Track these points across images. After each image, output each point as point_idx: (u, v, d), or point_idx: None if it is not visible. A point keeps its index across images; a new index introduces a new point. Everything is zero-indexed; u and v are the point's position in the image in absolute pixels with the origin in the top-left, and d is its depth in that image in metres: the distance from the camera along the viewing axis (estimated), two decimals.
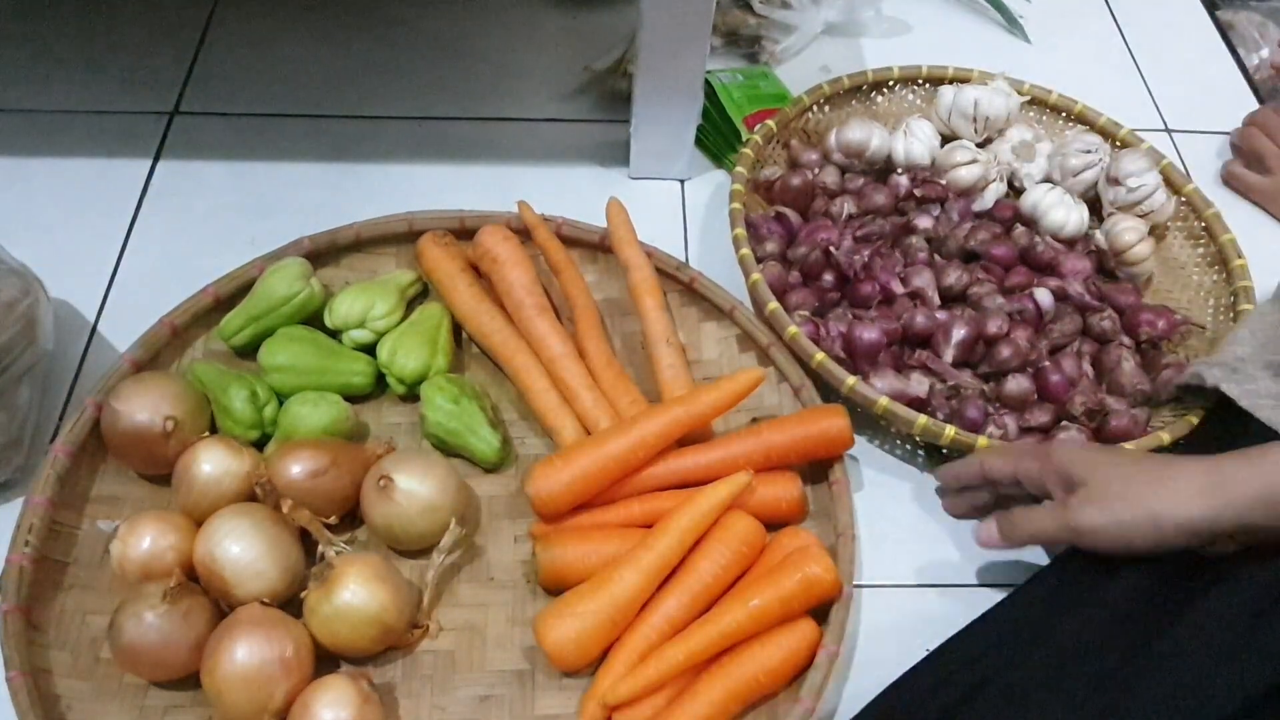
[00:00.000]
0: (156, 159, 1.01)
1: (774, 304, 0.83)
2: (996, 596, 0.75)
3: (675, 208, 1.01)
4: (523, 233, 0.89)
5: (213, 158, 1.01)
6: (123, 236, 0.95)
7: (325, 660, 0.70)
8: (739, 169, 0.93)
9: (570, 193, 0.99)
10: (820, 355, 0.81)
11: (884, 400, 0.79)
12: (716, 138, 1.03)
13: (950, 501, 0.80)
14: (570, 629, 0.70)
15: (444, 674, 0.72)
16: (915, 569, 0.80)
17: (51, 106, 1.04)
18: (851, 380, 0.80)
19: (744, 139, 0.98)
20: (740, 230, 0.88)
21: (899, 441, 0.86)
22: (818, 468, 0.80)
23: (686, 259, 0.95)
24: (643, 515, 0.76)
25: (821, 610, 0.72)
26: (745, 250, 0.87)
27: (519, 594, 0.76)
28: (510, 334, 0.84)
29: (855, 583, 0.77)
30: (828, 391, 0.82)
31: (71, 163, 1.00)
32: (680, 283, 0.89)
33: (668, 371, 0.83)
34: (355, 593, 0.68)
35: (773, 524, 0.77)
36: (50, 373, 0.83)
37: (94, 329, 0.88)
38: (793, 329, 0.82)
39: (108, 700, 0.69)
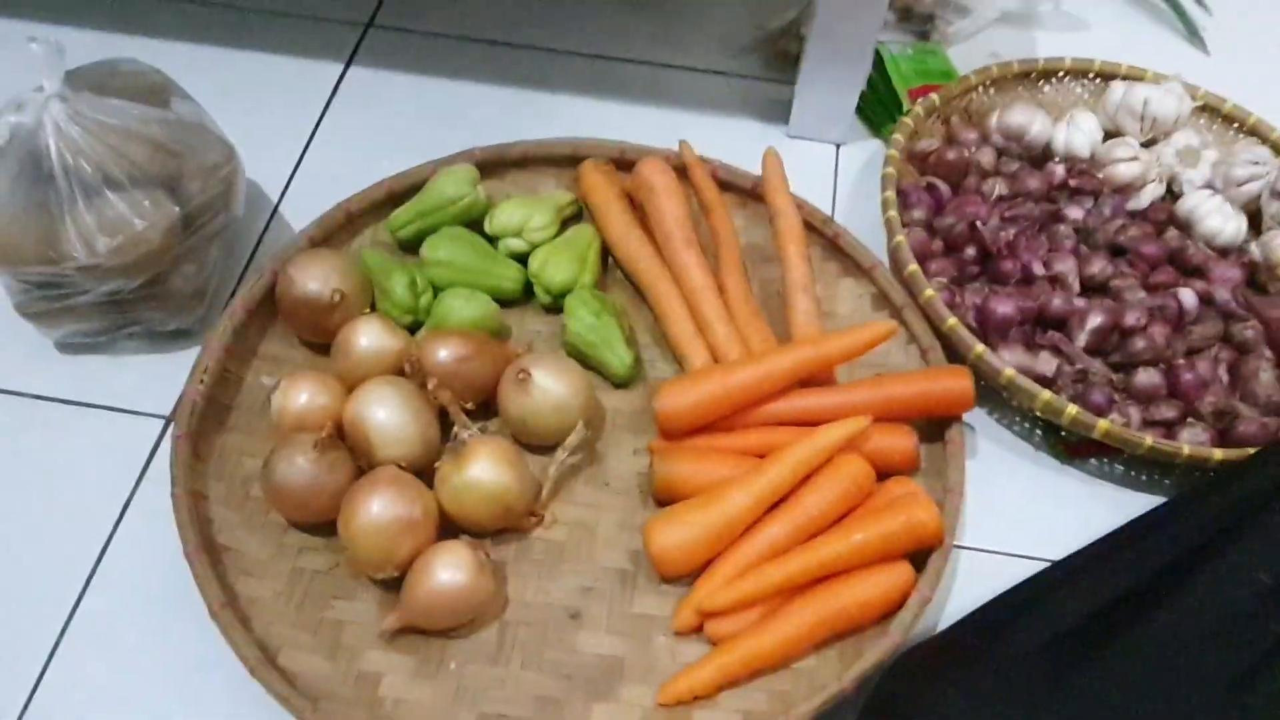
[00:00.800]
0: (348, 65, 1.09)
1: (914, 266, 0.85)
2: None
3: (828, 171, 1.04)
4: (680, 171, 0.93)
5: (400, 70, 1.08)
6: (310, 130, 1.02)
7: (448, 533, 0.75)
8: (897, 136, 0.95)
9: (728, 143, 1.01)
10: (953, 320, 0.82)
11: (1009, 371, 0.80)
12: (878, 107, 1.05)
13: None
14: (677, 536, 0.74)
15: (553, 562, 0.77)
16: (1017, 540, 0.81)
17: (260, 7, 1.13)
18: (980, 348, 0.81)
19: (905, 110, 1.00)
20: (890, 193, 0.90)
21: (1018, 419, 0.87)
22: (934, 428, 0.81)
23: None
24: (759, 446, 0.79)
25: (920, 559, 0.74)
26: (892, 212, 0.89)
27: (631, 502, 0.80)
28: (655, 261, 0.88)
29: (957, 542, 0.79)
30: (956, 359, 0.84)
31: (272, 58, 1.08)
32: (825, 236, 0.91)
33: (801, 317, 0.85)
34: (485, 469, 0.73)
35: (884, 473, 0.79)
36: (236, 239, 0.90)
37: (275, 209, 0.96)
38: (929, 291, 0.84)
39: (252, 531, 0.76)
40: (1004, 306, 0.85)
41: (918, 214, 0.93)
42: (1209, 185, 0.98)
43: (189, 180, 0.80)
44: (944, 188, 0.96)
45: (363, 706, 0.69)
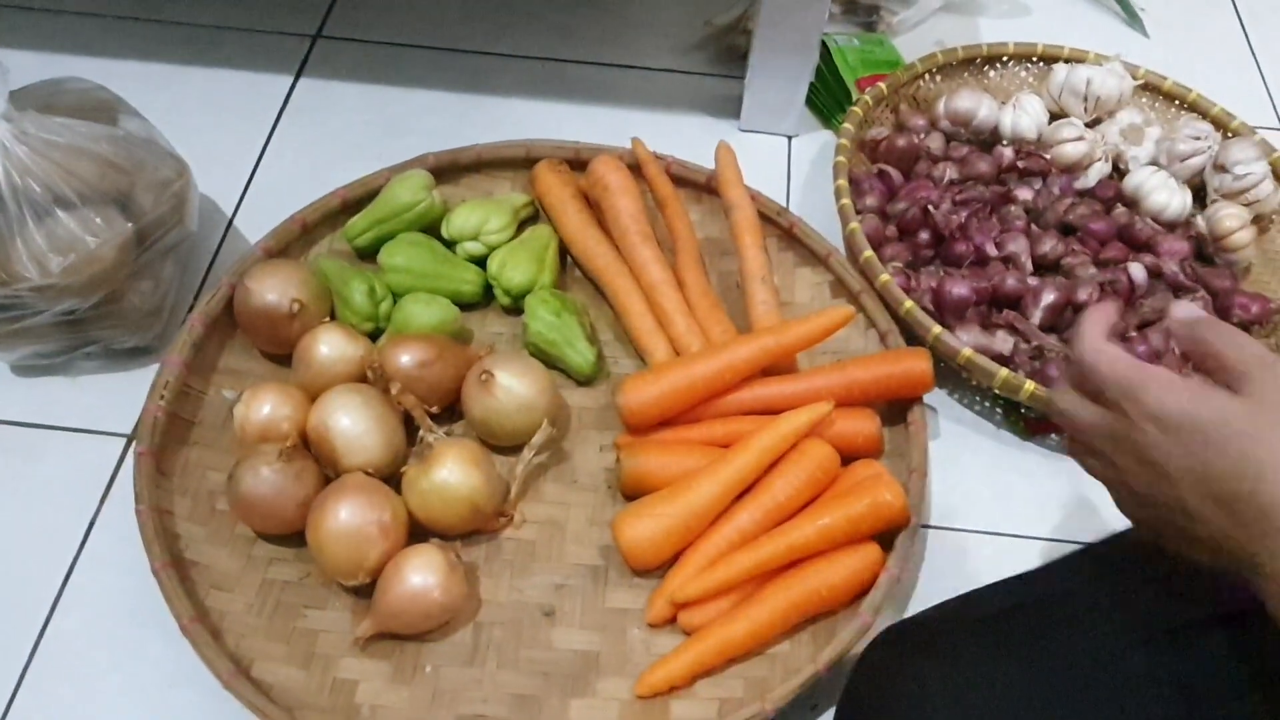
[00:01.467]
0: (298, 77, 1.08)
1: (869, 252, 0.87)
2: (1056, 549, 0.79)
3: (781, 162, 1.05)
4: (634, 169, 0.94)
5: (349, 79, 1.08)
6: (262, 143, 1.02)
7: (417, 537, 0.75)
8: (846, 125, 0.96)
9: (681, 139, 1.02)
10: (909, 303, 0.84)
11: (967, 351, 0.81)
12: (827, 98, 1.06)
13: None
14: (646, 529, 0.74)
15: (524, 561, 0.77)
16: (982, 517, 0.82)
17: (207, 22, 1.12)
18: (937, 329, 0.82)
19: (854, 100, 1.01)
20: (843, 181, 0.91)
21: (978, 398, 0.89)
22: (896, 411, 0.82)
23: None
24: (724, 436, 0.80)
25: (888, 539, 0.75)
26: (846, 200, 0.90)
27: (600, 498, 0.80)
28: (613, 258, 0.88)
29: (923, 522, 0.80)
30: (914, 342, 0.85)
31: (221, 73, 1.08)
32: (780, 227, 0.92)
33: (760, 307, 0.86)
34: (452, 471, 0.73)
35: (848, 457, 0.79)
36: (191, 255, 0.90)
37: (230, 222, 0.96)
38: (885, 276, 0.85)
39: (220, 546, 0.75)
40: (959, 288, 0.86)
41: (871, 201, 0.94)
42: (1153, 161, 1.00)
43: (140, 196, 0.80)
44: (895, 174, 0.97)
45: (340, 714, 0.69)
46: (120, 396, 0.83)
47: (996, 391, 0.82)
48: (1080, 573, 0.67)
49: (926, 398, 0.81)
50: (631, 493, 0.79)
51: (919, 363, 0.80)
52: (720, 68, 1.12)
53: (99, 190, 0.77)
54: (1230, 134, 1.02)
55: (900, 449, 0.81)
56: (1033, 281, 0.88)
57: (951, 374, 0.87)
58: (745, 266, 0.88)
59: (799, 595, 0.72)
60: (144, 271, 0.81)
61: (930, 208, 0.91)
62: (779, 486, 0.76)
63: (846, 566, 0.73)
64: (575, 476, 0.81)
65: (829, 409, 0.77)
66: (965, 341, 0.83)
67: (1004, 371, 0.80)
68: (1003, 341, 0.85)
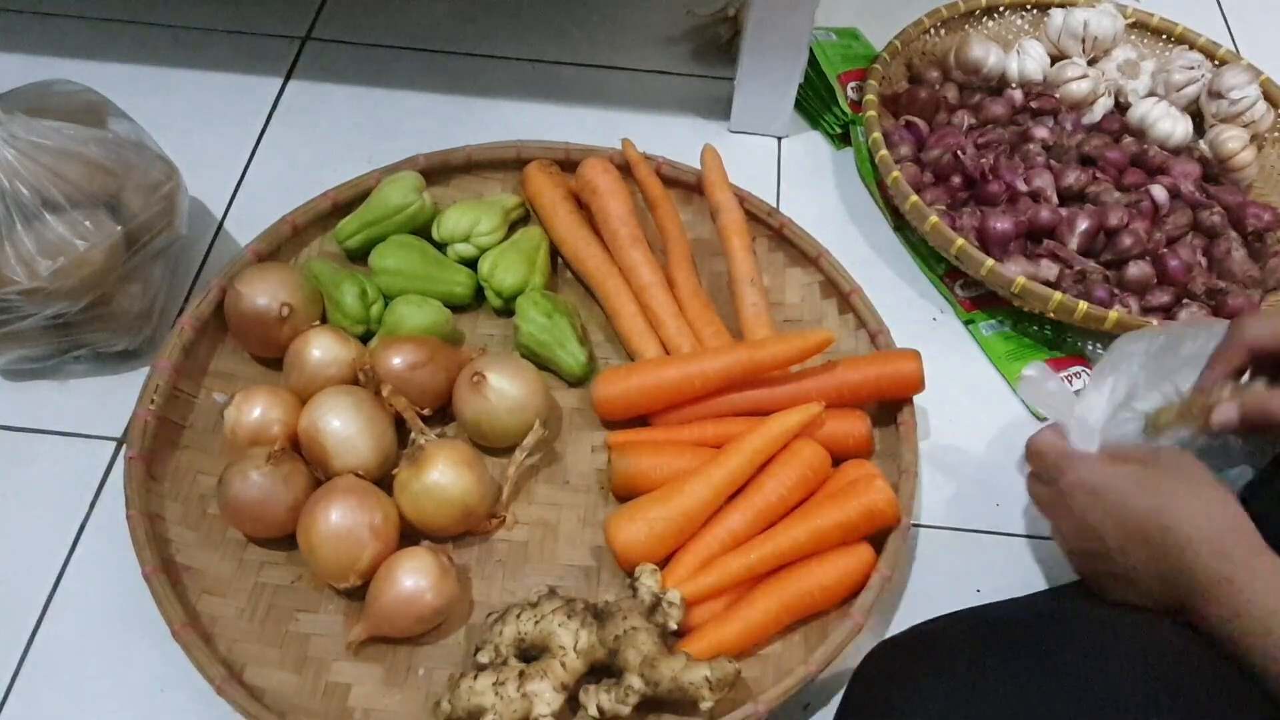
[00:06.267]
0: (287, 78, 1.08)
1: (914, 198, 0.91)
2: (1046, 548, 0.79)
3: (770, 164, 1.05)
4: (624, 169, 0.94)
5: (339, 81, 1.08)
6: (252, 145, 1.02)
7: (409, 539, 0.75)
8: (871, 82, 1.01)
9: (671, 140, 1.02)
10: (960, 241, 0.88)
11: (1021, 279, 0.86)
12: (813, 98, 1.07)
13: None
14: (639, 531, 0.74)
15: (516, 562, 0.77)
16: (972, 515, 0.82)
17: (196, 24, 1.12)
18: (990, 263, 0.87)
19: (839, 99, 1.04)
20: (877, 134, 0.96)
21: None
22: (887, 411, 0.83)
23: None
24: (715, 437, 0.80)
25: (879, 540, 0.75)
26: (884, 152, 0.95)
27: (591, 498, 0.80)
28: (604, 260, 0.88)
29: (914, 522, 0.80)
30: (965, 278, 0.94)
31: (210, 75, 1.07)
32: (770, 228, 0.92)
33: (750, 310, 0.86)
34: (444, 473, 0.73)
35: (839, 458, 0.79)
36: (180, 258, 0.89)
37: (220, 225, 0.95)
38: (933, 218, 0.89)
39: (211, 550, 0.75)
40: (1002, 223, 0.91)
41: (904, 150, 0.99)
42: (1151, 93, 1.06)
43: (130, 199, 0.79)
44: (922, 124, 1.02)
45: (332, 718, 0.69)
46: (110, 400, 0.83)
47: (1051, 315, 0.87)
48: (1079, 594, 0.68)
49: (917, 399, 0.82)
50: (623, 494, 0.79)
51: (910, 364, 0.80)
52: (707, 68, 1.12)
53: (88, 193, 0.77)
54: (1218, 62, 1.08)
55: (891, 449, 0.81)
56: (1064, 211, 0.93)
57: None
58: (733, 269, 0.88)
59: (791, 596, 0.72)
60: (133, 275, 0.81)
61: (959, 153, 0.96)
62: (770, 487, 0.76)
63: (838, 567, 0.73)
64: (567, 477, 0.81)
65: (820, 410, 0.77)
66: (1015, 272, 0.87)
67: (1058, 295, 0.85)
68: (1047, 269, 0.90)
